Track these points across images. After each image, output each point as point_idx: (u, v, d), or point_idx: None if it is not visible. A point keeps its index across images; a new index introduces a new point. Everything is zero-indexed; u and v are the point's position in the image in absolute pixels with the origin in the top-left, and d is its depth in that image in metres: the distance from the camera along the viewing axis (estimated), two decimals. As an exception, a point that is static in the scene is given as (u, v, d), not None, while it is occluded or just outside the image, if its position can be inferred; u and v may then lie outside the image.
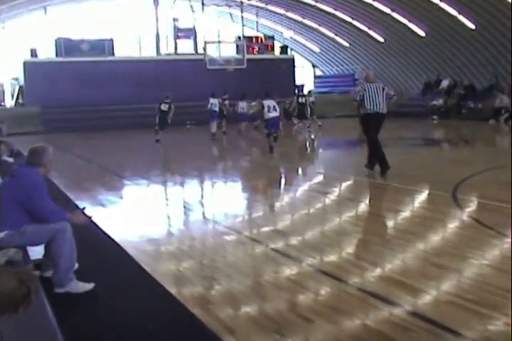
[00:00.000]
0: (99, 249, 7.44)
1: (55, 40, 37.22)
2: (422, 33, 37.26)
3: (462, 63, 36.63)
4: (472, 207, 10.10)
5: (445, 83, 37.02)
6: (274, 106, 18.63)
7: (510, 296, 5.33)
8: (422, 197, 11.44)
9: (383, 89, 14.53)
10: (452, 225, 8.68)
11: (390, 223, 8.86)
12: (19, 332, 2.70)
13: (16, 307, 2.19)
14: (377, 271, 6.36)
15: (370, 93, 14.19)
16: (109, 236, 8.06)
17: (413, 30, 37.52)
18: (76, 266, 5.86)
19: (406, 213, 9.69)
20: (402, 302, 5.34)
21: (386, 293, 5.58)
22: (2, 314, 2.22)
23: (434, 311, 5.13)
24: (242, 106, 27.93)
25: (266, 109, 18.39)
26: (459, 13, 33.25)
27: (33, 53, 36.94)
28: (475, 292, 5.51)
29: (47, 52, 37.82)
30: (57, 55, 37.10)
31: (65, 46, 36.83)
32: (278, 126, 19.08)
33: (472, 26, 33.33)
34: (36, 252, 6.09)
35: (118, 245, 7.66)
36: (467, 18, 33.25)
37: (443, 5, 33.52)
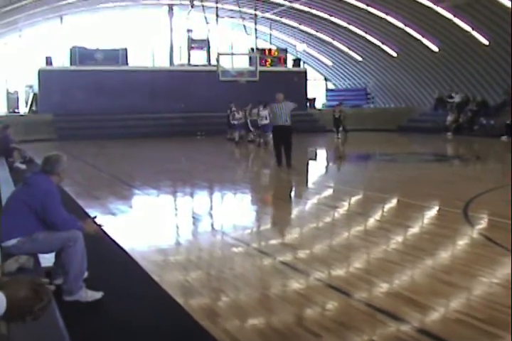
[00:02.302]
0: (108, 258, 7.46)
1: (70, 49, 37.54)
2: (435, 48, 37.28)
3: (475, 79, 36.60)
4: (483, 224, 10.06)
5: (457, 99, 36.95)
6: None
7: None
8: (433, 213, 11.41)
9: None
10: (462, 242, 8.65)
11: (400, 239, 8.83)
12: (29, 338, 2.71)
13: (24, 317, 2.21)
14: (386, 286, 6.34)
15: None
16: (118, 245, 8.08)
17: (426, 45, 37.56)
18: (86, 274, 5.88)
19: (416, 229, 9.66)
20: (410, 318, 5.31)
21: (394, 309, 5.55)
22: (10, 321, 2.24)
23: (442, 329, 5.11)
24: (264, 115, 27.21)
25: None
26: (473, 28, 33.28)
27: (48, 61, 37.26)
28: (484, 311, 5.47)
29: (62, 61, 38.09)
30: (71, 63, 37.41)
31: (79, 55, 37.13)
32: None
33: (486, 42, 33.31)
34: (47, 259, 6.11)
35: (127, 254, 7.67)
36: (481, 34, 33.25)
37: (456, 20, 33.54)
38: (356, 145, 28.85)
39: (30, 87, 39.52)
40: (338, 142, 29.94)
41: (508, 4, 29.56)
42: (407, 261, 7.36)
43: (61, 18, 41.96)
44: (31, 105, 38.26)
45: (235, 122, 29.19)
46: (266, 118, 25.89)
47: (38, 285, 2.26)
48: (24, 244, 5.64)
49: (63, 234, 5.67)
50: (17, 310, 2.17)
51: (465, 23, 33.45)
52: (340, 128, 30.44)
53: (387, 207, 12.31)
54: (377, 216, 11.10)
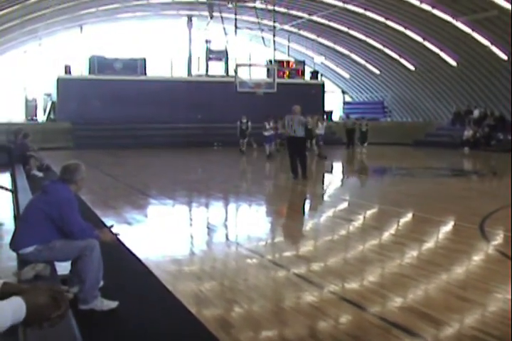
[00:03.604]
0: (124, 267, 7.48)
1: (89, 58, 37.82)
2: (453, 63, 37.27)
3: (493, 94, 36.53)
4: (499, 240, 10.01)
5: (476, 113, 36.88)
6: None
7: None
8: (448, 228, 11.37)
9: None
10: (478, 258, 8.62)
11: (415, 253, 8.80)
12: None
13: (42, 323, 2.23)
14: (400, 301, 6.32)
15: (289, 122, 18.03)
16: (133, 255, 8.10)
17: (444, 59, 37.56)
18: (101, 283, 5.90)
19: (431, 244, 9.62)
20: (425, 334, 5.29)
21: (408, 323, 5.53)
22: (28, 327, 2.26)
23: (457, 344, 5.10)
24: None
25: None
26: (492, 43, 33.24)
27: (67, 70, 37.51)
28: (499, 327, 5.44)
29: (80, 70, 38.35)
30: (90, 72, 37.67)
31: (98, 64, 37.37)
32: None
33: (504, 57, 33.24)
34: (63, 267, 6.14)
35: (142, 264, 7.69)
36: (499, 49, 33.19)
37: (475, 35, 33.52)
38: (372, 158, 28.79)
39: (49, 95, 39.82)
40: (362, 156, 29.89)
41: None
42: (421, 276, 7.33)
43: (81, 28, 42.34)
44: (49, 113, 38.52)
45: (266, 134, 28.61)
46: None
47: (57, 292, 2.29)
48: (41, 252, 5.67)
49: (80, 242, 5.69)
50: (35, 317, 2.20)
51: (484, 37, 33.43)
52: (366, 144, 30.73)
53: (402, 221, 12.27)
54: (393, 230, 11.07)
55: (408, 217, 12.73)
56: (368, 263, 8.13)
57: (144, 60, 39.09)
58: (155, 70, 39.95)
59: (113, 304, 5.79)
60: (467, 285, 6.99)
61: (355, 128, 33.64)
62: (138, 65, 38.56)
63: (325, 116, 33.23)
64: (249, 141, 31.00)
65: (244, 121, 30.50)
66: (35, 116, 40.32)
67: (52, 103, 38.24)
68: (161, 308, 5.99)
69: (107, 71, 37.40)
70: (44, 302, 2.21)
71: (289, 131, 18.04)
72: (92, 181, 16.44)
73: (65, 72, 37.48)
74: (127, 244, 8.39)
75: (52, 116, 38.18)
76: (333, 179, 21.04)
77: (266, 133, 28.47)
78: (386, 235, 10.47)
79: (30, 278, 5.26)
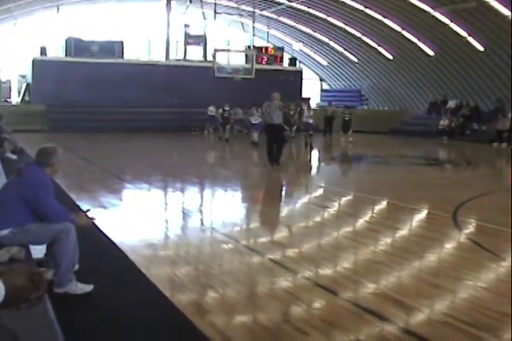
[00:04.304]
0: (99, 251, 7.46)
1: (66, 40, 37.41)
2: (431, 53, 37.40)
3: (469, 84, 36.77)
4: (471, 229, 10.13)
5: (452, 103, 37.13)
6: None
7: (509, 319, 5.39)
8: (422, 216, 11.47)
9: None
10: (450, 246, 8.71)
11: (388, 240, 8.88)
12: (20, 327, 2.73)
13: (19, 305, 2.24)
14: (373, 287, 6.38)
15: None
16: (109, 239, 8.09)
17: (422, 49, 37.71)
18: (76, 267, 5.90)
19: (405, 231, 9.71)
20: (397, 319, 5.36)
21: (381, 309, 5.60)
22: (5, 307, 2.26)
23: (428, 330, 5.16)
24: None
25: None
26: (469, 34, 33.42)
27: (43, 51, 37.11)
28: (469, 314, 5.52)
29: (56, 51, 37.96)
30: (66, 54, 37.28)
31: (75, 46, 37.00)
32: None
33: (481, 48, 33.45)
34: (38, 250, 6.13)
35: (118, 248, 7.69)
36: (476, 40, 33.39)
37: (453, 26, 33.68)
38: (347, 146, 28.84)
39: (24, 76, 39.45)
40: (344, 145, 29.50)
41: (505, 12, 29.72)
42: (394, 263, 7.41)
43: (58, 8, 41.88)
44: (24, 95, 38.15)
45: (254, 121, 27.28)
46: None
47: (35, 274, 2.29)
48: (16, 235, 5.64)
49: (56, 226, 5.67)
50: (13, 298, 2.20)
51: (461, 28, 33.59)
52: (350, 132, 30.26)
53: (376, 208, 12.36)
54: (367, 217, 11.14)
55: (382, 204, 12.82)
56: (342, 249, 8.20)
57: (122, 42, 38.77)
58: (132, 53, 39.69)
59: (88, 288, 5.79)
60: (439, 272, 7.08)
61: (334, 116, 33.57)
62: (115, 48, 38.21)
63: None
64: (232, 128, 30.65)
65: (227, 108, 30.11)
66: (9, 97, 39.93)
67: (27, 85, 37.87)
68: (136, 292, 6.00)
69: (83, 53, 37.01)
70: (22, 284, 2.22)
71: (267, 118, 18.04)
72: (67, 165, 16.32)
73: (41, 54, 37.05)
74: (103, 228, 8.38)
75: (26, 98, 37.82)
76: (310, 166, 21.11)
77: (253, 121, 27.38)
78: (360, 222, 10.54)
79: (5, 261, 5.25)
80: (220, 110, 30.39)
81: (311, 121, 26.46)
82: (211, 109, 32.27)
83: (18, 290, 2.21)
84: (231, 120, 30.16)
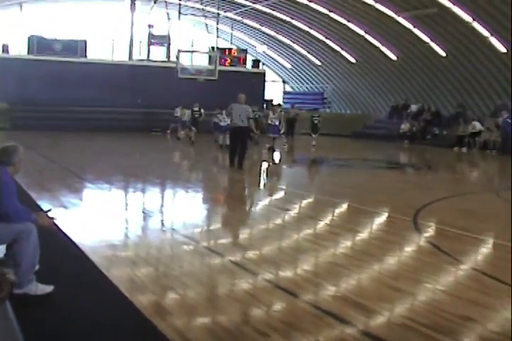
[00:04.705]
0: (59, 252, 7.40)
1: (28, 38, 37.06)
2: (393, 57, 37.72)
3: (430, 89, 37.17)
4: (431, 232, 10.23)
5: (414, 108, 37.51)
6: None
7: (469, 322, 5.47)
8: (383, 219, 11.57)
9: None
10: (410, 249, 8.80)
11: (349, 243, 8.94)
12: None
13: None
14: (333, 289, 6.42)
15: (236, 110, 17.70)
16: (70, 239, 8.03)
17: (385, 54, 38.02)
18: (37, 267, 5.85)
19: (365, 234, 9.79)
20: (356, 322, 5.40)
21: (341, 312, 5.63)
22: None
23: (388, 333, 5.21)
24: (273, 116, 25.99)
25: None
26: (431, 40, 33.77)
27: (5, 49, 36.72)
28: (428, 316, 5.58)
29: (19, 49, 37.56)
30: (29, 52, 36.87)
31: (37, 44, 36.60)
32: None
33: (443, 54, 33.84)
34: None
35: (79, 248, 7.64)
36: (439, 46, 33.76)
37: (416, 31, 34.01)
38: (310, 149, 28.93)
39: (-15, 74, 38.94)
40: (309, 148, 29.14)
41: (465, 18, 30.10)
42: (355, 266, 7.47)
43: (21, 6, 41.44)
44: (-15, 93, 37.69)
45: (222, 123, 25.85)
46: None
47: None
48: (-24, 235, 5.58)
49: (17, 225, 5.62)
50: None
51: (424, 34, 33.93)
52: (316, 135, 30.05)
53: (337, 211, 12.44)
54: (328, 220, 11.22)
55: (343, 207, 12.90)
56: (303, 252, 8.23)
57: (85, 41, 38.44)
58: (96, 53, 39.39)
59: (48, 288, 5.75)
60: (399, 275, 7.15)
61: (296, 118, 33.67)
62: (78, 47, 37.88)
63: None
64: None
65: (196, 109, 29.49)
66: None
67: (-11, 83, 37.44)
68: (97, 293, 5.97)
69: (46, 51, 36.64)
70: None
71: (236, 120, 17.74)
72: (28, 163, 16.13)
73: (3, 51, 36.68)
74: (63, 228, 8.31)
75: (-12, 96, 37.40)
76: (272, 169, 21.16)
77: (222, 123, 25.96)
78: (321, 225, 10.60)
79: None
80: (189, 111, 29.97)
81: (277, 123, 25.63)
82: (177, 110, 32.08)
83: None
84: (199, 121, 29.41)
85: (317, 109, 43.91)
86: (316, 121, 30.18)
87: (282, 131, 25.95)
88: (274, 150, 24.42)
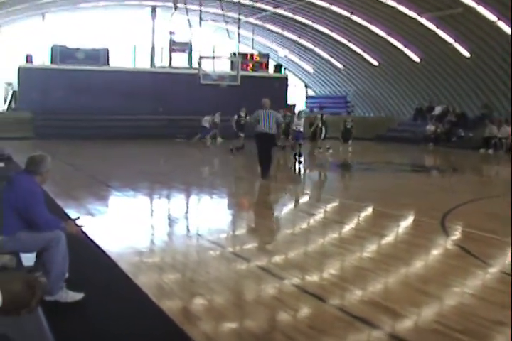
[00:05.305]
0: (88, 259, 7.44)
1: (51, 47, 37.39)
2: (416, 59, 37.53)
3: (455, 91, 36.91)
4: (459, 235, 10.16)
5: (438, 109, 37.25)
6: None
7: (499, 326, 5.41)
8: (409, 222, 11.51)
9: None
10: (438, 253, 8.74)
11: (375, 247, 8.91)
12: (13, 335, 2.73)
13: (20, 310, 2.22)
14: (362, 294, 6.39)
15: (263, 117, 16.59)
16: (98, 246, 8.08)
17: (408, 56, 37.81)
18: (67, 275, 5.89)
19: (392, 238, 9.75)
20: (385, 326, 5.37)
21: (369, 316, 5.60)
22: (6, 315, 2.24)
23: (417, 338, 5.17)
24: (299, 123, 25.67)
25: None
26: (455, 40, 33.54)
27: (29, 59, 37.09)
28: (459, 321, 5.52)
29: (42, 59, 37.92)
30: (52, 62, 37.25)
31: (60, 53, 36.96)
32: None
33: (467, 54, 33.60)
34: (28, 259, 6.11)
35: (107, 255, 7.68)
36: (463, 46, 33.53)
37: (439, 32, 33.80)
38: (334, 153, 28.82)
39: (10, 84, 39.34)
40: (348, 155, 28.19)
41: (490, 17, 29.88)
42: (382, 270, 7.43)
43: (43, 16, 41.78)
44: (10, 102, 38.06)
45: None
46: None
47: (31, 278, 2.28)
48: (7, 243, 5.64)
49: (46, 234, 5.68)
50: (12, 304, 2.18)
51: (447, 34, 33.74)
52: (350, 141, 28.38)
53: (363, 215, 12.40)
54: (354, 224, 11.18)
55: (369, 211, 12.85)
56: (330, 256, 8.21)
57: (107, 50, 38.74)
58: (118, 61, 39.63)
59: (78, 296, 5.78)
60: (427, 279, 7.10)
61: (314, 122, 33.22)
62: (100, 55, 38.20)
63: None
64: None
65: (243, 114, 28.29)
66: (-4, 105, 39.81)
67: (14, 92, 37.80)
68: (126, 300, 6.00)
69: (69, 61, 36.99)
70: (19, 289, 2.20)
71: (263, 127, 16.63)
72: (54, 171, 16.24)
73: (27, 61, 37.04)
74: (91, 236, 8.36)
75: (13, 105, 37.75)
76: (297, 173, 21.13)
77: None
78: (347, 229, 10.57)
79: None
80: (235, 117, 28.94)
81: (301, 129, 25.24)
82: (217, 116, 31.37)
83: (17, 296, 2.19)
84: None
85: (339, 113, 43.71)
86: (348, 126, 27.92)
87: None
88: (300, 156, 23.76)
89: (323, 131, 26.49)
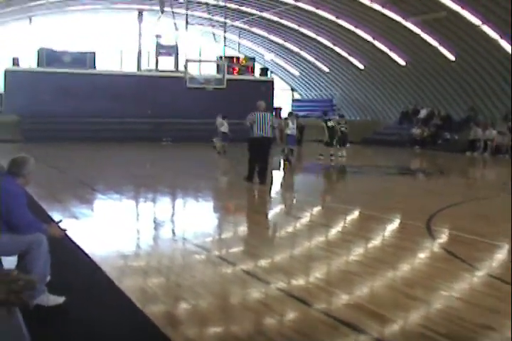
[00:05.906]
0: (71, 262, 7.38)
1: (38, 51, 37.37)
2: (402, 62, 37.64)
3: (440, 94, 37.05)
4: (445, 238, 10.13)
5: (424, 112, 37.37)
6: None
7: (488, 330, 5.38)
8: (396, 226, 11.48)
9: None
10: (424, 256, 8.70)
11: (362, 250, 8.87)
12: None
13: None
14: (347, 297, 6.34)
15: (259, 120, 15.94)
16: (81, 250, 8.00)
17: (393, 59, 37.92)
18: (48, 278, 5.82)
19: (378, 241, 9.71)
20: (371, 330, 5.32)
21: (355, 320, 5.54)
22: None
23: (403, 342, 5.14)
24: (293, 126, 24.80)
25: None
26: (440, 44, 33.68)
27: (15, 62, 37.08)
28: (445, 325, 5.47)
29: (29, 62, 37.85)
30: (38, 65, 37.21)
31: (47, 57, 36.91)
32: None
33: (452, 58, 33.74)
34: (9, 262, 6.03)
35: (90, 259, 7.60)
36: (447, 49, 33.67)
37: (424, 35, 33.93)
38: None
39: (-5, 87, 39.19)
40: (341, 160, 26.09)
41: (474, 21, 30.01)
42: (369, 273, 7.38)
43: (30, 19, 41.68)
44: (-4, 105, 37.92)
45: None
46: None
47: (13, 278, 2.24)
48: (-13, 246, 5.57)
49: (28, 236, 5.61)
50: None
51: (432, 38, 33.86)
52: (348, 145, 27.75)
53: (349, 218, 12.36)
54: (340, 227, 11.15)
55: (356, 214, 12.82)
56: (316, 260, 8.16)
57: (94, 53, 38.72)
58: (104, 64, 39.58)
59: (60, 299, 5.72)
60: (414, 282, 7.05)
61: (304, 126, 33.40)
62: (87, 59, 38.17)
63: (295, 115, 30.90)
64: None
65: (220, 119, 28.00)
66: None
67: (0, 95, 37.65)
68: (109, 304, 5.94)
69: (55, 64, 36.92)
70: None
71: (260, 131, 16.00)
72: (39, 174, 16.16)
73: (13, 64, 36.99)
74: (74, 239, 8.28)
75: (-1, 108, 37.65)
76: (283, 177, 21.09)
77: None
78: (334, 232, 10.53)
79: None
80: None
81: (294, 133, 24.61)
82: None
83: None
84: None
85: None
86: (343, 129, 27.03)
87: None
88: (290, 162, 23.26)
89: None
